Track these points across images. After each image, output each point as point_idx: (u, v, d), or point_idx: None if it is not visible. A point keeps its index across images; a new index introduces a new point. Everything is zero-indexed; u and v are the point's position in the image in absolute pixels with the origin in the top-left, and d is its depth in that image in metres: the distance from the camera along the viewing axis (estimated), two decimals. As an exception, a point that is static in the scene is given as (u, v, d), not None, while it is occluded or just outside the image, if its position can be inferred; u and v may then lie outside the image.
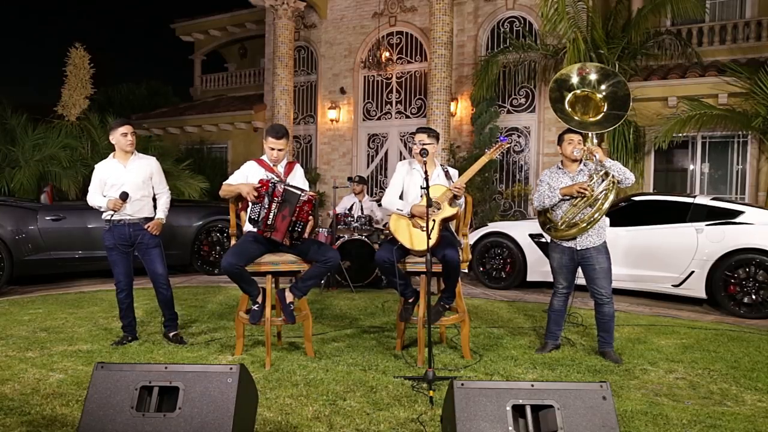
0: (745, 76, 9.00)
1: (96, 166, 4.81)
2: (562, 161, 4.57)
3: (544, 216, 4.58)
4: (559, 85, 4.56)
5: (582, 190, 4.29)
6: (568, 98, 4.51)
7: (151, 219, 4.75)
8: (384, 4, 12.53)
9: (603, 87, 4.47)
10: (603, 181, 4.32)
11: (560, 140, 4.55)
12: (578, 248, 4.39)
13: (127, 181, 4.63)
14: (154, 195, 4.85)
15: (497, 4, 11.43)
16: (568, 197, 4.39)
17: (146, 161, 4.82)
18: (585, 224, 4.31)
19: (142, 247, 4.69)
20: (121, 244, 4.64)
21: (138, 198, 4.67)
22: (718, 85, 9.43)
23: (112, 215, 4.60)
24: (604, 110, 4.42)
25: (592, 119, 4.45)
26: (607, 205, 4.31)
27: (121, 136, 4.65)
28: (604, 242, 4.43)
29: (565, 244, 4.45)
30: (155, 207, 4.83)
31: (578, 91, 4.49)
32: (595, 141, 4.49)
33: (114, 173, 4.67)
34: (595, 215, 4.29)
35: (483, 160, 4.43)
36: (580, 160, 4.47)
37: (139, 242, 4.67)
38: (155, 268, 4.73)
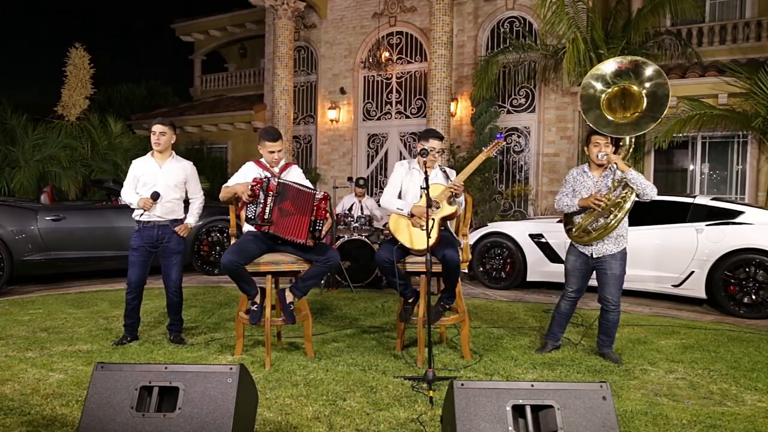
0: (745, 76, 9.00)
1: (133, 162, 4.82)
2: (589, 163, 4.44)
3: (566, 217, 4.50)
4: (595, 80, 4.26)
5: (597, 203, 4.20)
6: (605, 95, 4.25)
7: (180, 221, 4.77)
8: (384, 4, 12.54)
9: (646, 81, 4.17)
10: (621, 191, 4.20)
11: (587, 141, 4.40)
12: (594, 256, 4.33)
13: (160, 182, 4.64)
14: (186, 198, 4.87)
15: (497, 4, 11.44)
16: (585, 207, 4.30)
17: (182, 165, 4.80)
18: (597, 233, 4.23)
19: (166, 250, 4.70)
20: (147, 244, 4.65)
21: (169, 200, 4.67)
22: (718, 85, 9.43)
23: (141, 214, 4.61)
24: (642, 108, 4.17)
25: (627, 119, 4.22)
26: (621, 216, 4.18)
27: (152, 134, 4.67)
28: (623, 249, 4.34)
29: (582, 248, 4.39)
30: (186, 210, 4.87)
31: (616, 87, 4.22)
32: (627, 142, 4.29)
33: (148, 172, 4.68)
34: (609, 225, 4.19)
35: (480, 158, 4.45)
36: (607, 165, 4.31)
37: (165, 245, 4.68)
38: (170, 273, 4.75)
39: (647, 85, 4.18)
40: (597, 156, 4.28)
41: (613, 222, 4.20)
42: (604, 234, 4.23)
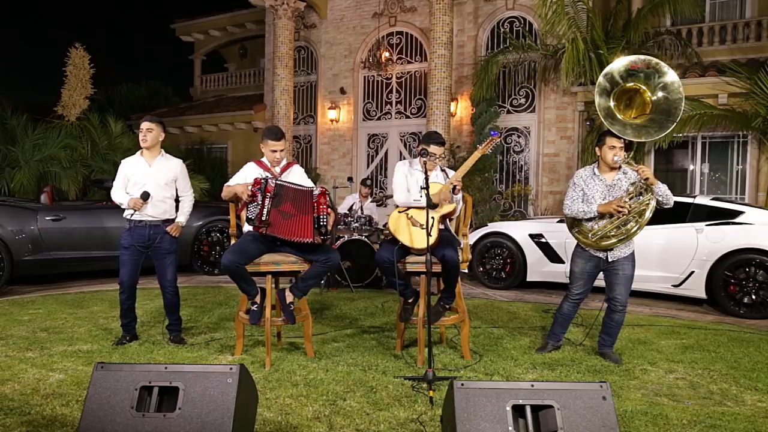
0: (745, 77, 8.99)
1: (122, 161, 4.80)
2: (598, 164, 4.34)
3: (573, 219, 4.38)
4: (614, 76, 4.19)
5: (619, 209, 4.11)
6: (616, 90, 4.18)
7: (171, 221, 4.75)
8: (384, 4, 12.54)
9: (659, 89, 4.11)
10: (641, 195, 4.11)
11: (600, 142, 4.28)
12: (610, 259, 4.26)
13: (150, 180, 4.62)
14: (177, 197, 4.85)
15: (497, 4, 11.44)
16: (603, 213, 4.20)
17: (172, 163, 4.79)
18: (616, 240, 4.15)
19: (158, 250, 4.68)
20: (138, 243, 4.63)
21: (160, 199, 4.65)
22: (718, 85, 9.43)
23: (132, 214, 4.60)
24: (649, 112, 4.12)
25: (638, 122, 4.14)
26: (641, 226, 4.08)
27: (139, 132, 4.66)
28: (633, 251, 4.30)
29: (595, 252, 4.29)
30: (177, 208, 4.85)
31: (628, 84, 4.16)
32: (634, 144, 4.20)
33: (138, 171, 4.66)
34: (631, 232, 4.10)
35: (476, 155, 4.45)
36: (619, 167, 4.25)
37: (157, 245, 4.66)
38: (165, 273, 4.74)
39: (659, 88, 4.13)
40: (613, 159, 4.18)
41: (633, 230, 4.11)
42: (624, 240, 4.15)
